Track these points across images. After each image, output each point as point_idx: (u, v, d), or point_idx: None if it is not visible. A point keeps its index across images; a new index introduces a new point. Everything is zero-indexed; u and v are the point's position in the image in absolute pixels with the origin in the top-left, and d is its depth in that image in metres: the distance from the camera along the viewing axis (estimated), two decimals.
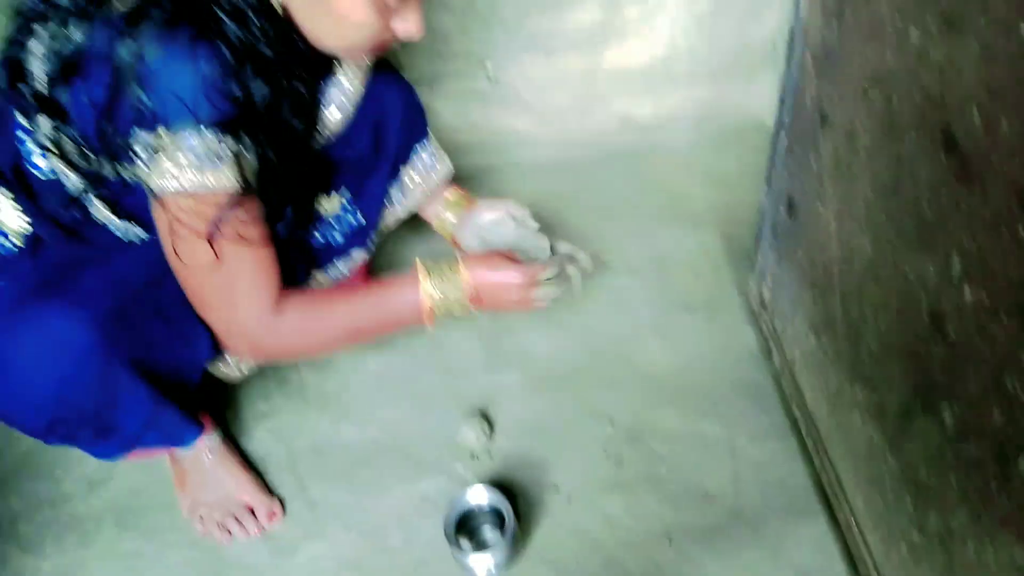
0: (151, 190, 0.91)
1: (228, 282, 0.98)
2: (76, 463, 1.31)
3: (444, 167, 1.34)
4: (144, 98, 0.84)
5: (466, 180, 1.72)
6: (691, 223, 1.62)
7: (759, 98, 1.77)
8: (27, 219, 1.00)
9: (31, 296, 0.93)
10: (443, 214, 1.35)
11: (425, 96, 1.62)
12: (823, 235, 1.03)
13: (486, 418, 1.29)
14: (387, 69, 1.23)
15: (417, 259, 1.12)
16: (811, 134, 1.04)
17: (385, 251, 1.55)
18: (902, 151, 0.80)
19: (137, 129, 0.86)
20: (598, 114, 1.79)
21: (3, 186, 0.99)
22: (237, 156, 0.91)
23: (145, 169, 0.89)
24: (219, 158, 0.89)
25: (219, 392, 1.34)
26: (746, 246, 1.43)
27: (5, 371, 0.91)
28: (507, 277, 1.11)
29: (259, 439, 1.32)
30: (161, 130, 0.86)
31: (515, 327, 1.44)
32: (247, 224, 0.96)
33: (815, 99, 1.02)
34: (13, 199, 0.99)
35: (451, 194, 1.36)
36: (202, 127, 0.87)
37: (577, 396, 1.33)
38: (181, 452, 1.20)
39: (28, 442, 1.35)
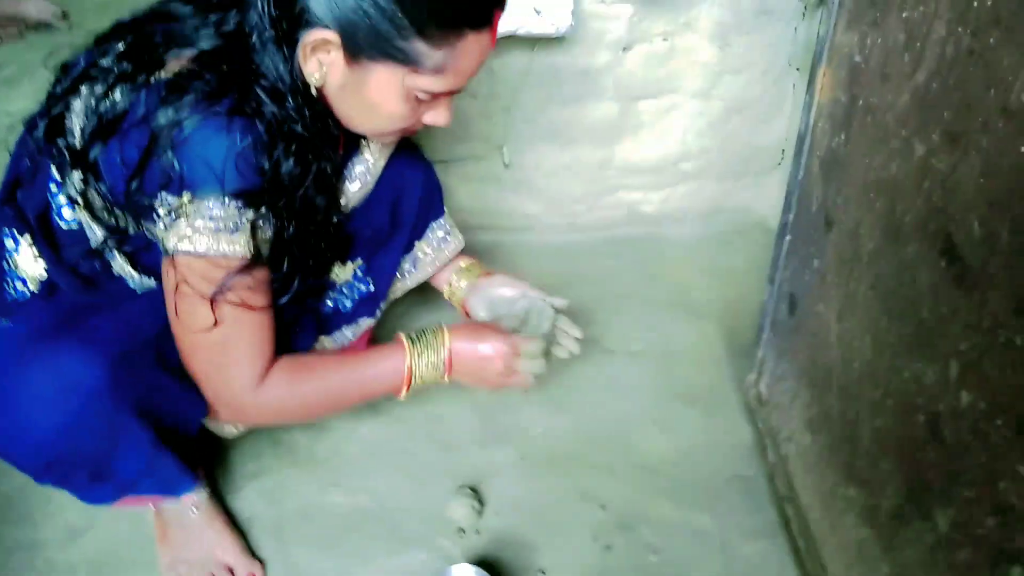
0: (165, 248, 0.93)
1: (222, 346, 1.00)
2: (57, 510, 1.29)
3: (456, 242, 1.38)
4: (175, 163, 0.88)
5: (476, 257, 1.76)
6: (693, 315, 1.64)
7: (765, 199, 1.82)
8: (45, 266, 1.02)
9: (44, 335, 0.94)
10: (455, 281, 1.38)
11: (442, 175, 1.67)
12: (823, 334, 1.05)
13: (476, 494, 1.28)
14: (409, 147, 1.27)
15: (400, 333, 1.13)
16: (815, 235, 1.07)
17: (387, 316, 1.56)
18: (904, 256, 0.83)
19: (164, 192, 0.90)
20: (608, 204, 1.83)
21: (28, 234, 1.02)
22: (254, 226, 0.94)
23: (163, 228, 0.92)
24: (236, 227, 0.92)
25: (211, 448, 1.33)
26: (746, 341, 1.44)
27: (10, 406, 0.91)
28: (490, 348, 1.12)
29: (247, 499, 1.30)
30: (186, 195, 0.89)
31: (512, 404, 1.44)
32: (252, 291, 0.99)
33: (820, 202, 1.05)
34: (35, 248, 1.02)
35: (464, 262, 1.39)
36: (226, 197, 0.90)
37: (570, 478, 1.32)
38: (166, 505, 1.18)
39: (9, 485, 1.33)
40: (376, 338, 1.47)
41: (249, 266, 0.96)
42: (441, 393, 1.41)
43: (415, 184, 1.27)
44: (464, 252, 1.41)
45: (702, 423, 1.42)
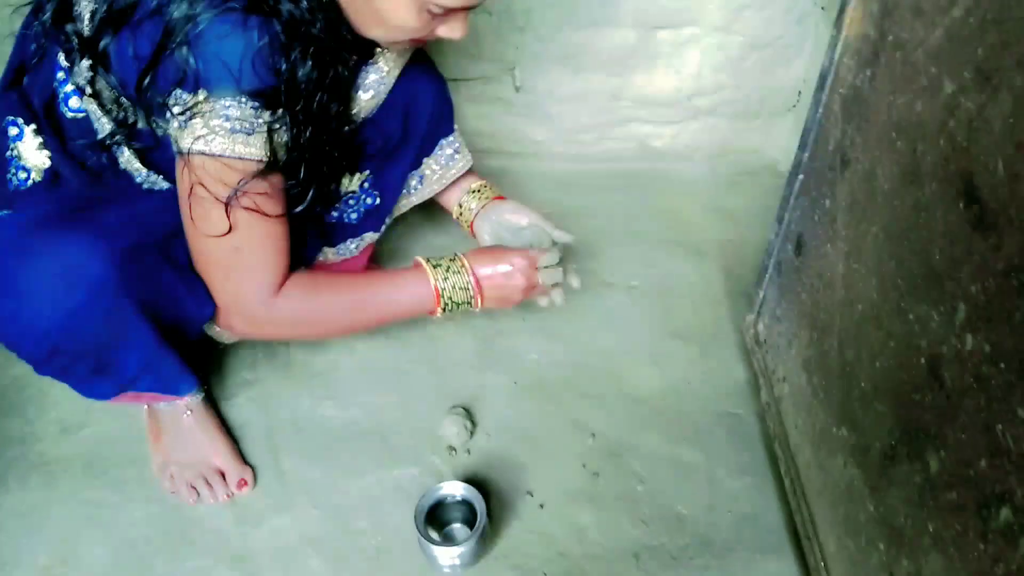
0: (179, 148, 0.91)
1: (236, 253, 0.99)
2: (51, 405, 1.30)
3: (464, 161, 1.36)
4: (190, 59, 0.85)
5: (486, 179, 1.73)
6: (695, 254, 1.64)
7: (776, 141, 1.79)
8: (49, 155, 1.00)
9: (50, 223, 0.92)
10: (466, 201, 1.36)
11: (454, 96, 1.64)
12: (828, 276, 1.04)
13: (469, 415, 1.29)
14: (423, 60, 1.24)
15: (418, 257, 1.13)
16: (829, 175, 1.05)
17: (390, 234, 1.55)
18: (920, 198, 0.81)
19: (178, 88, 0.87)
20: (617, 135, 1.80)
21: (32, 123, 1.00)
22: (270, 129, 0.92)
23: (177, 127, 0.90)
24: (252, 128, 0.90)
25: (205, 354, 1.33)
26: (746, 283, 1.44)
27: (14, 293, 0.90)
28: (509, 266, 1.14)
29: (240, 406, 1.31)
30: (201, 93, 0.87)
31: (508, 330, 1.44)
32: (267, 197, 0.97)
33: (838, 142, 1.03)
34: (40, 137, 1.00)
35: (475, 183, 1.37)
36: (242, 96, 0.88)
37: (561, 405, 1.33)
38: (161, 407, 1.19)
39: (5, 378, 1.34)
40: (377, 255, 1.46)
41: (265, 171, 0.94)
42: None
43: (427, 99, 1.24)
44: (473, 172, 1.39)
45: (696, 360, 1.42)
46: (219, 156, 0.90)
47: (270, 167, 0.94)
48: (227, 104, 0.88)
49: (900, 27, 0.88)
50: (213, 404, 1.28)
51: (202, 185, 0.92)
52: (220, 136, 0.89)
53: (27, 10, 0.99)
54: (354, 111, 1.09)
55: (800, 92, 1.74)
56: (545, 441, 1.28)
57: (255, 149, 0.92)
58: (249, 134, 0.90)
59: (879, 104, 0.92)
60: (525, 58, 1.66)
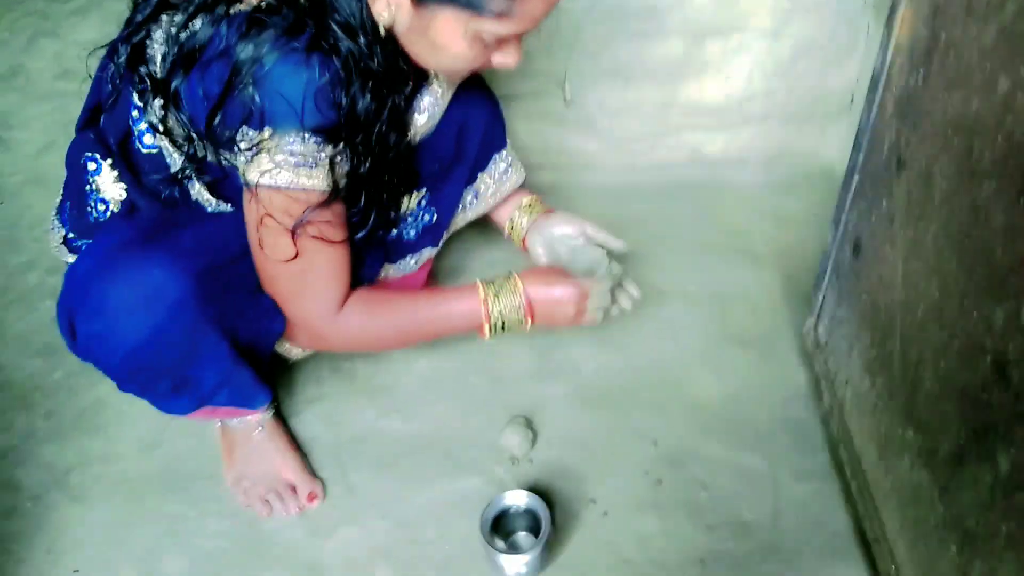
0: (246, 180, 0.96)
1: (301, 277, 1.04)
2: (130, 424, 1.36)
3: (517, 176, 1.39)
4: (256, 98, 0.90)
5: (537, 194, 1.76)
6: (751, 260, 1.63)
7: (830, 145, 1.78)
8: (125, 187, 1.07)
9: (130, 247, 0.98)
10: (517, 218, 1.39)
11: (505, 112, 1.67)
12: (888, 277, 1.04)
13: (530, 425, 1.30)
14: (474, 78, 1.27)
15: (478, 280, 1.17)
16: (885, 176, 1.05)
17: (448, 251, 1.58)
18: (979, 196, 0.81)
19: (245, 126, 0.92)
20: (669, 145, 1.81)
21: (109, 158, 1.06)
22: (332, 161, 0.96)
23: (245, 161, 0.95)
24: (315, 162, 0.95)
25: (275, 372, 1.38)
26: (804, 288, 1.42)
27: (102, 315, 0.96)
28: (562, 293, 1.16)
29: (307, 422, 1.35)
30: (267, 130, 0.92)
31: (566, 341, 1.46)
32: (330, 225, 1.02)
33: (893, 143, 1.03)
34: (116, 170, 1.06)
35: (526, 198, 1.40)
36: (305, 132, 0.92)
37: (622, 414, 1.34)
38: (233, 423, 1.24)
39: (87, 399, 1.40)
40: (434, 272, 1.49)
41: (328, 200, 0.99)
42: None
43: (479, 116, 1.27)
44: (524, 187, 1.42)
45: (756, 366, 1.42)
46: (285, 189, 0.95)
47: (333, 197, 0.99)
48: (291, 140, 0.92)
49: (952, 26, 0.88)
50: (282, 420, 1.33)
51: (270, 216, 0.97)
52: (285, 170, 0.94)
53: (102, 52, 1.05)
54: (410, 134, 1.12)
55: (853, 94, 1.73)
56: (606, 449, 1.29)
57: (318, 181, 0.97)
58: (312, 167, 0.95)
59: (933, 104, 0.92)
60: (574, 72, 1.69)
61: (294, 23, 0.90)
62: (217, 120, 0.93)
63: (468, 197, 1.35)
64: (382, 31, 0.96)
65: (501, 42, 0.99)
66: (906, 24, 1.00)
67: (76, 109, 1.14)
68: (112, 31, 1.03)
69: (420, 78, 1.11)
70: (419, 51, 1.00)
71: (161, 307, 0.96)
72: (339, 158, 0.97)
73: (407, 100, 1.08)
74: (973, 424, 0.82)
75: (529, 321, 1.17)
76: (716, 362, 1.43)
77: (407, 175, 1.17)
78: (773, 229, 1.70)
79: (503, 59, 1.02)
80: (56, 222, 1.16)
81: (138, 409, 1.31)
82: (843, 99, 1.74)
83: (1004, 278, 0.76)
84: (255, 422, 1.24)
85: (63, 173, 1.15)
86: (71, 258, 1.13)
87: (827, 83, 1.72)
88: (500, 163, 1.36)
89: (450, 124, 1.21)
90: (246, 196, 0.99)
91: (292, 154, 0.93)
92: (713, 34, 1.63)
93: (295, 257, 1.00)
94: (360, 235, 1.10)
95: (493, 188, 1.36)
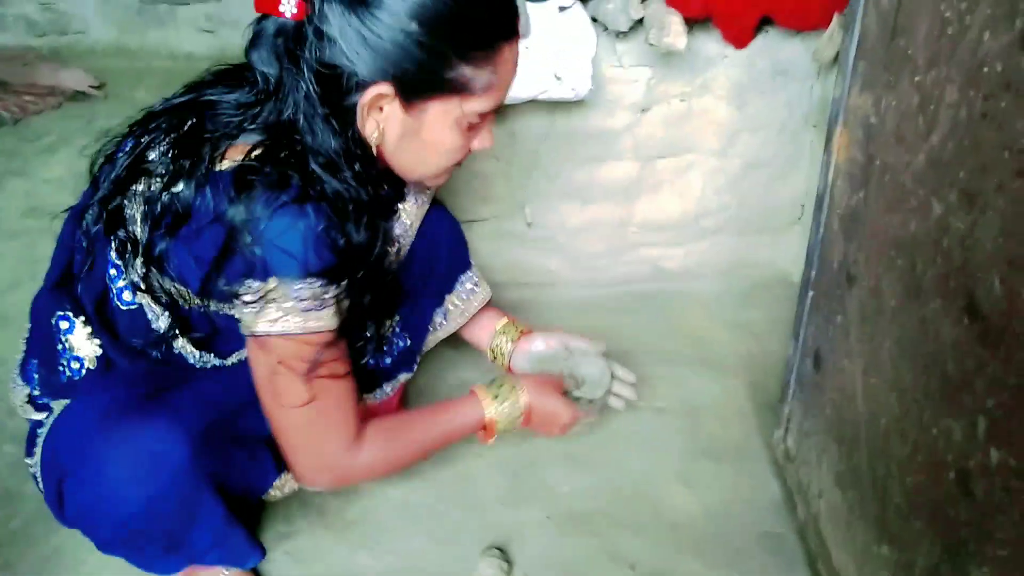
0: (252, 331, 0.96)
1: (318, 416, 1.03)
2: (90, 574, 1.30)
3: (484, 293, 1.42)
4: (256, 252, 0.90)
5: (503, 309, 1.77)
6: (717, 370, 1.65)
7: (785, 253, 1.83)
8: (99, 343, 1.04)
9: (128, 409, 0.97)
10: (498, 344, 1.42)
11: (467, 234, 1.70)
12: (849, 390, 1.05)
13: (504, 555, 1.27)
14: (435, 204, 1.31)
15: (475, 386, 1.22)
16: (838, 292, 1.08)
17: (418, 373, 1.58)
18: (926, 313, 0.84)
19: (248, 279, 0.92)
20: (629, 260, 1.86)
21: (82, 316, 1.04)
22: (337, 300, 0.97)
23: (252, 313, 0.95)
24: (322, 304, 0.95)
25: (243, 511, 1.34)
26: (772, 395, 1.44)
27: (99, 481, 0.94)
28: (557, 410, 1.24)
29: (277, 560, 1.31)
30: (272, 281, 0.92)
31: (539, 463, 1.44)
32: (337, 361, 1.02)
33: (841, 259, 1.07)
34: (90, 330, 1.04)
35: (499, 322, 1.43)
36: (309, 279, 0.93)
37: (598, 537, 1.32)
38: (200, 572, 1.19)
39: (47, 548, 1.34)
40: (406, 394, 1.49)
41: (336, 338, 1.00)
42: (468, 453, 1.42)
43: (443, 240, 1.31)
44: (493, 306, 1.45)
45: (730, 479, 1.41)
46: (296, 335, 0.95)
47: (340, 333, 1.00)
48: (297, 287, 0.92)
49: (885, 152, 0.93)
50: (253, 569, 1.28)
51: (283, 364, 0.96)
52: (294, 316, 0.94)
53: (65, 200, 1.06)
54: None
55: (803, 205, 1.80)
56: (584, 575, 1.26)
57: (327, 321, 0.97)
58: (320, 309, 0.95)
59: (875, 224, 0.96)
60: (534, 196, 1.74)
61: (280, 178, 0.91)
62: (217, 279, 0.92)
63: (437, 319, 1.37)
64: (371, 149, 0.98)
65: (477, 126, 1.03)
66: (843, 148, 1.06)
67: (44, 247, 1.11)
68: (81, 167, 1.03)
69: (392, 213, 1.15)
70: (407, 159, 1.03)
71: (162, 474, 0.94)
72: (343, 294, 0.98)
73: (391, 221, 1.13)
74: (944, 540, 0.82)
75: (523, 422, 1.23)
76: (689, 476, 1.42)
77: (390, 299, 1.19)
78: (737, 338, 1.73)
79: (482, 141, 1.06)
80: (19, 380, 1.12)
81: (98, 557, 1.25)
82: (793, 210, 1.81)
83: (958, 392, 0.78)
84: (221, 566, 1.19)
85: (27, 315, 1.13)
86: (38, 416, 1.08)
87: (776, 196, 1.79)
88: (466, 283, 1.40)
89: (418, 250, 1.24)
90: (252, 348, 0.99)
91: (300, 299, 0.93)
92: (664, 155, 1.71)
93: (310, 401, 0.99)
94: (365, 360, 1.14)
95: (461, 308, 1.40)
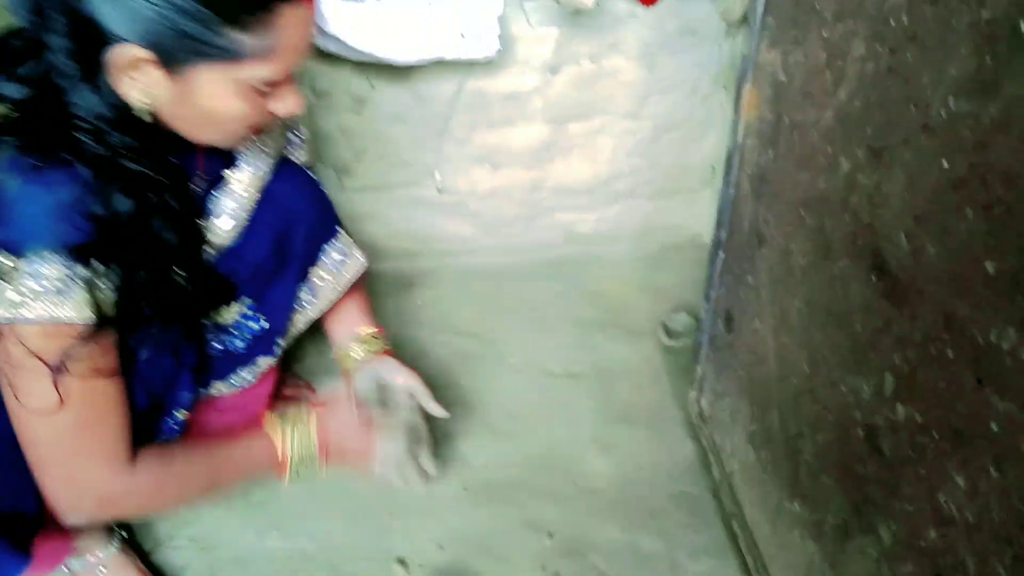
0: None
1: (78, 430, 0.91)
2: None
3: (356, 264, 1.29)
4: None
5: (412, 284, 1.73)
6: (633, 333, 1.64)
7: (698, 215, 1.84)
8: None
9: None
10: (352, 348, 1.28)
11: (374, 202, 1.65)
12: (760, 350, 1.06)
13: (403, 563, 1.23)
14: (291, 170, 1.20)
15: (267, 413, 1.11)
16: (748, 252, 1.08)
17: (311, 352, 1.52)
18: (835, 272, 0.83)
19: None
20: (543, 225, 1.83)
21: None
22: (90, 284, 0.86)
23: None
24: (70, 287, 0.84)
25: None
26: (686, 358, 1.45)
27: None
28: (344, 416, 1.13)
29: (179, 547, 1.24)
30: (10, 257, 0.82)
31: (455, 433, 1.41)
32: (100, 358, 0.90)
33: (752, 220, 1.06)
34: None
35: (369, 331, 1.30)
36: (55, 254, 0.83)
37: (515, 507, 1.30)
38: (74, 565, 1.11)
39: None
40: (283, 379, 1.41)
41: (95, 332, 0.87)
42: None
43: (302, 209, 1.18)
44: (366, 310, 1.33)
45: (645, 442, 1.41)
46: (37, 322, 0.84)
47: (100, 326, 0.87)
48: (38, 265, 0.82)
49: (793, 109, 0.92)
50: (140, 552, 1.20)
51: (23, 357, 0.85)
52: (35, 300, 0.83)
53: None
54: (214, 241, 1.05)
55: (714, 167, 1.80)
56: (500, 546, 1.24)
57: (77, 311, 0.85)
58: (67, 294, 0.84)
59: (785, 183, 0.95)
60: (444, 160, 1.69)
61: (32, 139, 0.81)
62: None
63: (305, 296, 1.25)
64: (147, 117, 0.87)
65: (273, 89, 0.92)
66: (751, 107, 1.05)
67: None
68: None
69: (215, 179, 1.04)
70: (193, 125, 0.92)
71: None
72: (102, 278, 0.86)
73: (187, 198, 0.98)
74: (853, 496, 0.83)
75: (324, 457, 1.11)
76: (606, 441, 1.42)
77: (214, 286, 1.07)
78: (651, 301, 1.73)
79: (284, 106, 0.95)
80: None
81: None
82: (705, 172, 1.82)
83: (866, 351, 0.78)
84: (96, 562, 1.11)
85: None
86: None
87: (688, 158, 1.79)
88: (333, 254, 1.26)
89: (264, 224, 1.11)
90: None
91: (40, 280, 0.82)
92: (575, 117, 1.68)
93: (61, 406, 0.87)
94: (144, 356, 0.98)
95: (331, 281, 1.26)
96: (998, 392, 0.58)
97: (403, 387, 1.21)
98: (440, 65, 1.51)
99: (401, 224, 1.76)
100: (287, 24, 0.87)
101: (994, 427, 0.59)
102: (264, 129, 1.02)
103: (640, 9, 1.56)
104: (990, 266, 0.58)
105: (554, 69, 1.61)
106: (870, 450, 0.78)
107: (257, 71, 0.88)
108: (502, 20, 1.44)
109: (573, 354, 1.60)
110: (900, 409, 0.72)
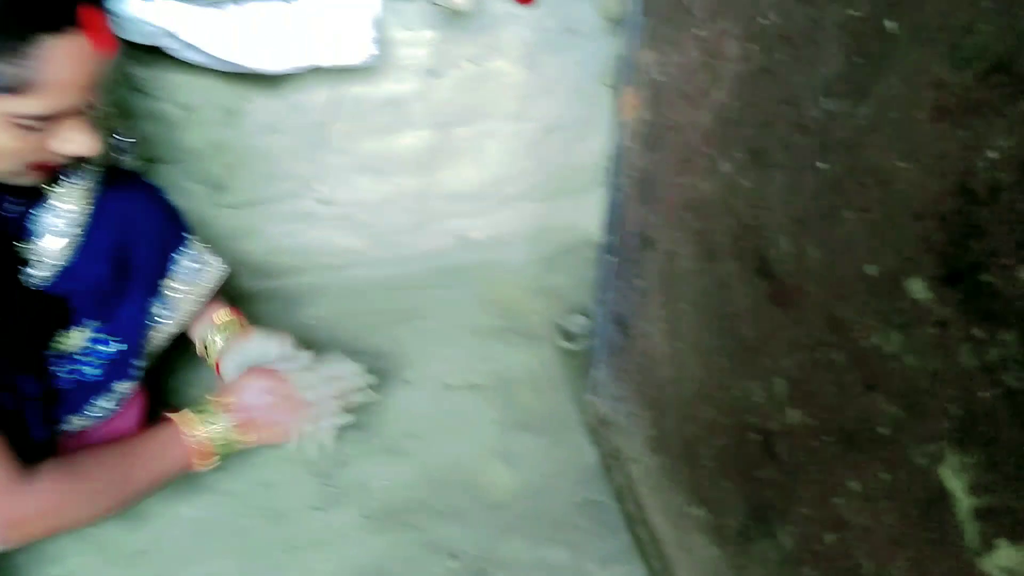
0: None
1: None
2: None
3: (213, 271, 1.23)
4: None
5: (298, 302, 1.65)
6: (529, 339, 1.62)
7: (588, 216, 1.82)
8: None
9: None
10: (210, 337, 1.23)
11: (252, 217, 1.56)
12: (655, 354, 1.04)
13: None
14: (128, 180, 1.13)
15: (166, 412, 1.06)
16: (636, 256, 1.06)
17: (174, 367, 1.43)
18: (721, 274, 0.82)
19: None
20: (434, 232, 1.78)
21: None
22: None
23: None
24: None
25: None
26: (583, 362, 1.43)
27: None
28: (259, 380, 1.09)
29: None
30: None
31: (351, 459, 1.35)
32: None
33: (638, 223, 1.05)
34: None
35: (221, 316, 1.24)
36: None
37: (417, 530, 1.25)
38: None
39: None
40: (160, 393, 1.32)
41: None
42: (270, 458, 1.30)
43: (140, 219, 1.11)
44: (221, 300, 1.28)
45: (548, 451, 1.39)
46: None
47: None
48: None
49: (672, 110, 0.91)
50: None
51: None
52: None
53: None
54: (44, 262, 0.97)
55: (604, 167, 1.79)
56: (403, 575, 1.19)
57: None
58: None
59: (668, 185, 0.94)
60: (325, 171, 1.62)
61: None
62: None
63: (159, 311, 1.18)
64: None
65: (51, 125, 0.85)
66: (632, 109, 1.03)
67: None
68: None
69: (32, 197, 0.97)
70: None
71: None
72: None
73: (5, 223, 0.92)
74: (752, 500, 0.82)
75: (248, 433, 1.08)
76: (507, 453, 1.38)
77: (45, 311, 1.00)
78: (546, 305, 1.71)
79: (68, 145, 0.88)
80: None
81: None
82: (594, 172, 1.80)
83: (755, 355, 0.77)
84: None
85: None
86: None
87: (576, 159, 1.77)
88: (184, 263, 1.19)
89: (101, 240, 1.05)
90: None
91: None
92: (460, 121, 1.64)
93: None
94: None
95: (186, 291, 1.19)
96: (885, 396, 0.58)
97: (280, 356, 1.18)
98: (315, 72, 1.43)
99: (283, 239, 1.68)
100: (52, 57, 0.80)
101: (883, 431, 0.59)
102: (48, 171, 0.94)
103: (519, 9, 1.53)
104: (870, 269, 0.57)
105: (435, 73, 1.56)
106: (766, 455, 0.77)
107: (16, 106, 0.80)
108: (379, 23, 1.39)
109: (471, 364, 1.56)
110: (792, 413, 0.71)
